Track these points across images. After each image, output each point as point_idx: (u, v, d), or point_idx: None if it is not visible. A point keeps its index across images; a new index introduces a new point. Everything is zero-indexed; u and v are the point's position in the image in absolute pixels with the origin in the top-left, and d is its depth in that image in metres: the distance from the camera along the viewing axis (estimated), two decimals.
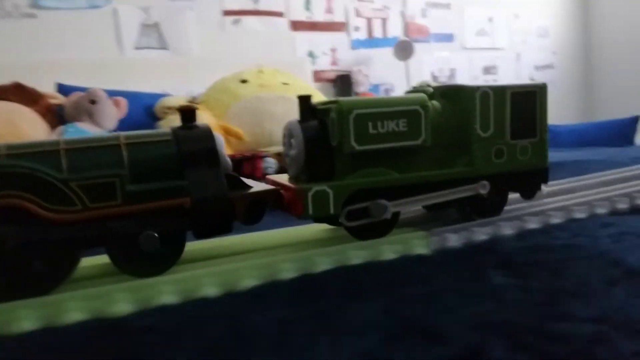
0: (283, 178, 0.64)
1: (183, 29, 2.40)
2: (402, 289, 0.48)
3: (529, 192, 0.70)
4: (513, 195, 0.71)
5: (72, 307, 0.47)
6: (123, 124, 1.73)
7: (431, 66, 3.00)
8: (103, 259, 0.55)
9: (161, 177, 0.52)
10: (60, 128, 1.66)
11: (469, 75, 3.07)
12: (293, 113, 0.63)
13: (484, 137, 0.64)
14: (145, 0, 2.27)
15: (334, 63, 2.81)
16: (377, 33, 2.92)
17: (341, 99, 0.59)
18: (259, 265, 0.54)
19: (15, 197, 0.46)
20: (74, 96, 1.83)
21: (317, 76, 2.76)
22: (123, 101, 1.86)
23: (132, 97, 1.88)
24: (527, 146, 0.67)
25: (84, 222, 0.49)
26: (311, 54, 2.74)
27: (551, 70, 3.31)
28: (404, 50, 2.67)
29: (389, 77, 2.88)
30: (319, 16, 2.75)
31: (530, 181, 0.69)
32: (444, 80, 3.01)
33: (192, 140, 0.54)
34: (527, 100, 0.67)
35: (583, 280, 0.47)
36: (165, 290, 0.50)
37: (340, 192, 0.58)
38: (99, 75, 2.03)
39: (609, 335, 0.36)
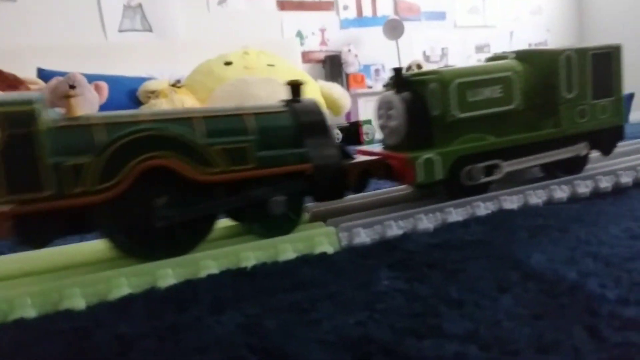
0: (377, 149, 0.68)
1: (167, 11, 2.35)
2: (277, 296, 0.43)
3: (608, 148, 0.75)
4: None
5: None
6: (104, 109, 1.69)
7: (423, 45, 2.92)
8: None
9: (282, 145, 0.56)
10: None
11: (461, 54, 2.98)
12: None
13: (569, 98, 0.68)
14: None
15: (322, 43, 2.75)
16: (367, 12, 2.84)
17: (441, 69, 0.63)
18: (136, 271, 0.49)
19: (165, 158, 0.50)
20: (53, 81, 1.79)
21: (306, 57, 2.70)
22: (104, 85, 1.82)
23: (115, 82, 1.84)
24: (606, 105, 0.71)
25: (224, 184, 0.53)
26: (299, 34, 2.68)
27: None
28: (394, 29, 2.60)
29: (380, 57, 2.81)
30: None
31: (608, 138, 0.74)
32: (435, 59, 2.93)
33: (307, 112, 0.59)
34: (605, 61, 0.70)
35: (473, 286, 0.42)
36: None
37: (447, 159, 0.62)
38: (81, 60, 1.99)
39: (467, 357, 0.32)
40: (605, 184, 0.69)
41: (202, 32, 2.40)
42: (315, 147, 0.57)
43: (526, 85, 0.67)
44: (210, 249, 0.53)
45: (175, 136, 0.51)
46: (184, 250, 0.53)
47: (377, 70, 3.04)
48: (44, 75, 1.94)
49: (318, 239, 0.55)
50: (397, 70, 0.66)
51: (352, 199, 0.70)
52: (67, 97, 0.52)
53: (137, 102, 1.93)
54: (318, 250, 0.54)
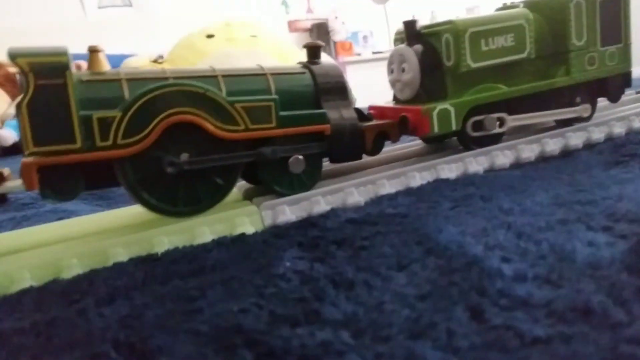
0: (388, 104, 0.68)
1: None
2: (172, 283, 0.41)
3: (616, 96, 0.75)
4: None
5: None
6: None
7: (411, 9, 2.83)
8: None
9: (301, 106, 0.57)
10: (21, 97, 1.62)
11: (451, 16, 2.89)
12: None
13: (579, 46, 0.69)
14: None
15: (309, 11, 2.69)
16: None
17: (454, 19, 0.63)
18: (40, 264, 0.47)
19: (190, 114, 0.50)
20: None
21: (292, 26, 2.65)
22: (84, 64, 1.80)
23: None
24: (615, 52, 0.72)
25: (245, 141, 0.54)
26: (284, 3, 2.62)
27: None
28: None
29: (367, 24, 2.74)
30: None
31: (616, 85, 0.74)
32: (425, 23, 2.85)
33: (326, 74, 0.59)
34: (613, 8, 0.71)
35: (372, 264, 0.39)
36: None
37: (461, 109, 0.62)
38: (61, 39, 1.96)
39: (337, 347, 0.30)
40: (553, 147, 0.66)
41: (184, 6, 2.35)
42: (333, 109, 0.58)
43: (537, 33, 0.67)
44: (122, 235, 0.51)
45: (202, 92, 0.51)
46: (204, 207, 0.54)
47: (365, 37, 2.97)
48: None
49: (239, 219, 0.53)
50: (409, 23, 0.66)
51: None
52: (94, 51, 0.52)
53: None
54: (238, 231, 0.52)
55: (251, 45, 1.92)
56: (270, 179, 0.57)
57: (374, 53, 2.92)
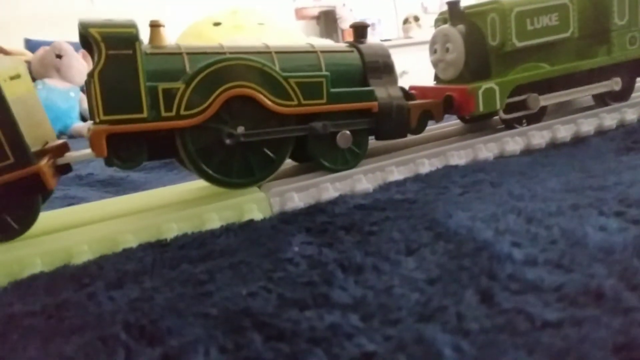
0: (429, 85, 0.70)
1: None
2: (178, 269, 0.41)
3: None
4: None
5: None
6: None
7: None
8: None
9: (349, 83, 0.59)
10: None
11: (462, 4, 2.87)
12: None
13: (621, 25, 0.69)
14: None
15: None
16: None
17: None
18: (50, 250, 0.47)
19: (248, 87, 0.52)
20: (40, 51, 1.77)
21: (300, 14, 2.63)
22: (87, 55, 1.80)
23: None
24: None
25: (297, 116, 0.55)
26: None
27: None
28: None
29: (375, 11, 2.72)
30: None
31: None
32: (434, 10, 2.82)
33: (374, 53, 0.61)
34: None
35: (380, 249, 0.39)
36: None
37: (505, 88, 0.63)
38: (69, 28, 1.96)
39: (347, 329, 0.29)
40: (564, 133, 0.65)
41: None
42: (380, 87, 0.59)
43: (580, 13, 0.67)
44: (132, 222, 0.52)
45: (259, 67, 0.53)
46: (257, 180, 0.56)
47: (372, 25, 2.94)
48: (32, 45, 1.91)
49: (247, 205, 0.53)
50: (453, 3, 0.67)
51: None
52: (155, 26, 0.54)
53: None
54: (246, 217, 0.52)
55: (259, 32, 1.91)
56: (318, 153, 0.58)
57: (382, 41, 2.89)
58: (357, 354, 0.27)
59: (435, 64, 0.70)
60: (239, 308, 0.33)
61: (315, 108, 0.56)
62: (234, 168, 0.55)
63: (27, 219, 0.50)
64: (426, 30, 2.64)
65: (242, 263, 0.41)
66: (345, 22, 2.61)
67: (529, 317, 0.28)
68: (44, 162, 0.48)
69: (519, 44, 0.64)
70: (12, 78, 0.49)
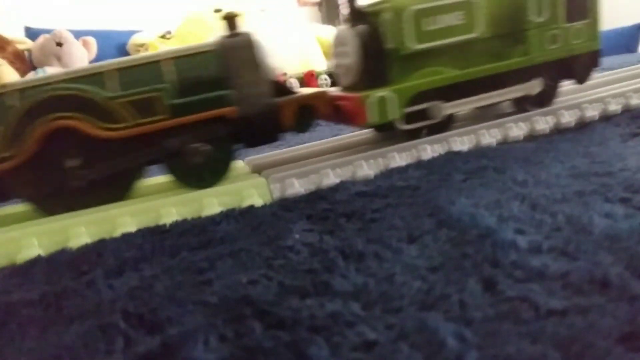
0: (336, 90, 0.62)
1: None
2: (178, 256, 0.41)
3: (583, 76, 0.68)
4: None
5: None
6: None
7: None
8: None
9: (208, 88, 0.52)
10: (30, 74, 1.62)
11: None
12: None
13: (539, 22, 0.62)
14: None
15: None
16: None
17: None
18: (47, 230, 0.48)
19: (68, 118, 0.48)
20: (40, 39, 1.75)
21: (301, 0, 2.60)
22: (91, 41, 1.78)
23: (104, 36, 1.81)
24: (581, 28, 0.65)
25: (135, 138, 0.50)
26: None
27: None
28: None
29: None
30: None
31: (583, 65, 0.67)
32: None
33: (236, 49, 0.54)
34: None
35: (382, 236, 0.39)
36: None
37: (402, 96, 0.57)
38: (67, 16, 1.95)
39: (345, 319, 0.29)
40: (568, 118, 0.64)
41: None
42: (240, 88, 0.53)
43: (491, 11, 0.60)
44: (130, 205, 0.51)
45: (74, 94, 0.48)
46: (105, 202, 0.53)
47: None
48: (32, 33, 1.89)
49: (247, 191, 0.52)
50: (352, 1, 0.59)
51: (306, 147, 0.67)
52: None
53: (127, 56, 1.90)
54: (246, 203, 0.52)
55: (261, 19, 1.90)
56: (177, 172, 0.54)
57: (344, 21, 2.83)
58: (359, 342, 0.27)
59: (335, 68, 0.63)
60: (239, 296, 0.33)
61: (156, 125, 0.50)
62: (76, 199, 0.52)
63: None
64: None
65: (243, 251, 0.41)
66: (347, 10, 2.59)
67: (533, 305, 0.28)
68: None
69: (416, 47, 0.57)
70: None
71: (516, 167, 0.50)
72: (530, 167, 0.50)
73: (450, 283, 0.31)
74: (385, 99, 0.56)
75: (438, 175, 0.51)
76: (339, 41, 0.61)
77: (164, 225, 0.48)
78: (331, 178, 0.54)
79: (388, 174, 0.55)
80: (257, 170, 0.60)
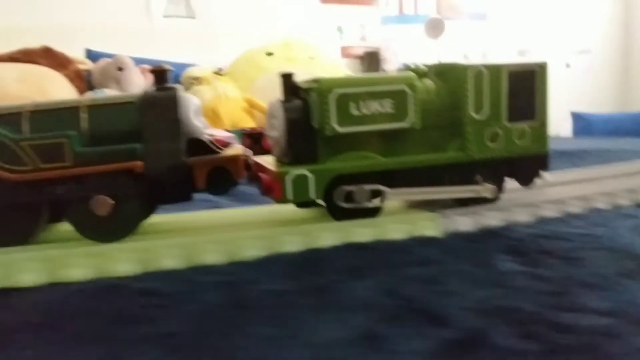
0: (267, 160, 0.61)
1: None
2: (406, 269, 0.46)
3: (527, 178, 0.65)
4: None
5: (76, 263, 0.49)
6: None
7: (463, 46, 2.92)
8: None
9: (121, 140, 0.52)
10: (88, 94, 1.68)
11: (502, 57, 2.98)
12: None
13: (478, 119, 0.60)
14: None
15: (362, 39, 2.77)
16: (408, 9, 2.85)
17: (322, 77, 0.57)
18: (262, 235, 0.54)
19: None
20: (102, 62, 1.84)
21: (345, 52, 2.72)
22: (149, 69, 1.86)
23: None
24: (526, 129, 0.62)
25: (36, 182, 0.50)
26: (340, 29, 2.70)
27: (589, 55, 3.19)
28: (435, 28, 2.61)
29: (419, 56, 2.82)
30: None
31: (528, 167, 0.64)
32: (476, 60, 2.94)
33: (153, 103, 0.54)
34: (526, 80, 0.62)
35: (596, 271, 0.45)
36: (168, 254, 0.50)
37: (322, 177, 0.56)
38: (126, 42, 2.03)
39: (620, 329, 0.35)
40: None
41: (244, 22, 2.43)
42: (153, 143, 0.52)
43: (428, 102, 0.60)
44: (332, 227, 0.56)
45: None
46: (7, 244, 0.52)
47: None
48: (92, 55, 1.98)
49: (422, 222, 0.58)
50: (286, 76, 0.59)
51: None
52: None
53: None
54: (423, 233, 0.57)
55: (309, 66, 2.00)
56: (74, 221, 0.53)
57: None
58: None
59: (268, 139, 0.63)
60: (501, 305, 0.39)
61: (56, 172, 0.50)
62: None
63: None
64: None
65: (461, 272, 0.46)
66: (389, 64, 2.71)
67: None
68: None
69: (340, 130, 0.56)
70: None
71: None
72: None
73: None
74: (305, 178, 0.55)
75: (604, 228, 0.57)
76: (270, 113, 0.61)
77: (363, 242, 0.54)
78: (493, 220, 0.61)
79: (544, 222, 0.61)
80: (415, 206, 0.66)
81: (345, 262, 0.49)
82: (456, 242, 0.55)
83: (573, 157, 1.12)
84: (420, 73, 0.62)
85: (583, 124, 2.49)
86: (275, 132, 0.58)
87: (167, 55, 1.99)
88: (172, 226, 0.60)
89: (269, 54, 2.05)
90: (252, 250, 0.52)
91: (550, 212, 0.64)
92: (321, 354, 0.33)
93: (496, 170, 0.63)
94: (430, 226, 0.58)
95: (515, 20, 3.00)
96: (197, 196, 0.56)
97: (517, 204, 0.63)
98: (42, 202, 0.52)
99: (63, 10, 2.04)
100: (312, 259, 0.50)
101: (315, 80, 0.56)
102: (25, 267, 0.48)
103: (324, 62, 2.16)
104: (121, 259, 0.49)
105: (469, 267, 0.47)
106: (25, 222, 0.52)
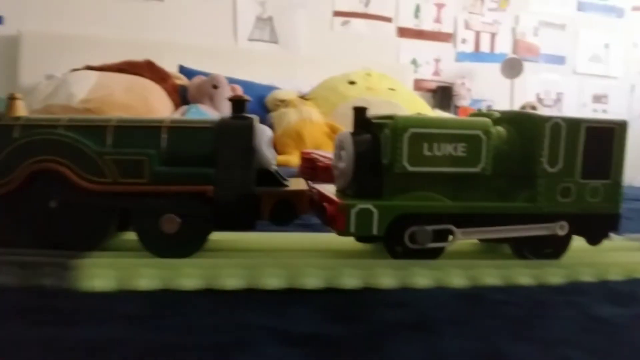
0: (330, 190, 0.61)
1: (294, 26, 2.49)
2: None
3: (596, 237, 0.63)
4: None
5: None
6: None
7: (537, 88, 2.90)
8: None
9: (195, 162, 0.54)
10: (184, 108, 1.78)
11: (576, 101, 2.94)
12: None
13: (551, 172, 0.59)
14: None
15: (435, 73, 2.80)
16: (485, 47, 2.87)
17: (398, 115, 0.56)
18: (322, 265, 0.54)
19: (52, 162, 0.52)
20: (197, 79, 1.96)
21: (418, 85, 2.76)
22: (239, 89, 1.97)
23: (245, 86, 2.00)
24: (599, 188, 0.61)
25: (112, 194, 0.53)
26: (414, 62, 2.74)
27: None
28: (512, 68, 2.61)
29: (492, 94, 2.82)
30: (427, 25, 2.75)
31: (598, 226, 0.63)
32: (549, 103, 2.91)
33: (229, 131, 0.56)
34: (604, 138, 0.60)
35: None
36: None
37: (386, 213, 0.55)
38: (213, 62, 2.15)
39: None
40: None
41: (324, 50, 2.51)
42: (225, 169, 0.54)
43: (501, 149, 0.59)
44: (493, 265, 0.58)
45: (68, 142, 0.53)
46: (78, 248, 0.54)
47: (488, 107, 3.05)
48: (184, 72, 2.11)
49: (517, 269, 0.58)
50: (359, 110, 0.60)
51: None
52: (12, 98, 0.56)
53: (264, 108, 2.06)
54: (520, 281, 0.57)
55: (390, 97, 2.04)
56: (141, 234, 0.55)
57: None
58: None
59: (333, 168, 0.62)
60: None
61: (133, 187, 0.53)
62: (51, 236, 0.54)
63: None
64: None
65: None
66: (462, 100, 2.73)
67: None
68: None
69: (410, 169, 0.55)
70: None
71: None
72: None
73: None
74: (369, 212, 0.55)
75: None
76: (339, 144, 0.60)
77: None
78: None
79: None
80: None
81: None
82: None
83: None
84: (493, 119, 0.61)
85: None
86: (343, 163, 0.58)
87: (250, 75, 2.11)
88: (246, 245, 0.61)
89: (351, 83, 2.11)
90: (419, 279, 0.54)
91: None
92: None
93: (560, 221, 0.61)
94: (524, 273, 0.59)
95: (592, 66, 2.95)
96: None
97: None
98: (115, 213, 0.55)
99: (159, 27, 2.19)
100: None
101: (390, 117, 0.56)
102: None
103: (405, 94, 2.20)
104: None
105: None
106: (95, 229, 0.55)
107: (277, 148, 1.89)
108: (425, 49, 2.75)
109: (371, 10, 2.63)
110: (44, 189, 0.53)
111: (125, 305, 0.46)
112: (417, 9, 2.72)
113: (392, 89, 2.19)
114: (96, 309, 0.45)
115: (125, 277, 0.50)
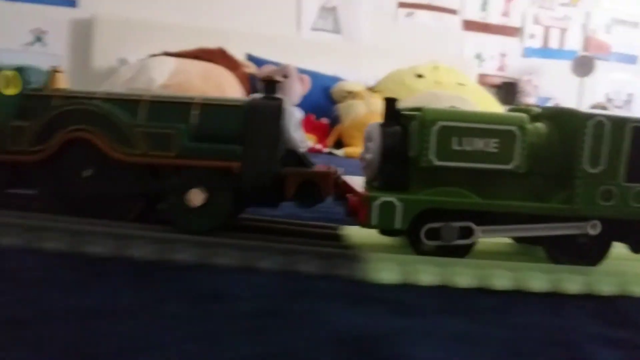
0: (358, 182, 0.60)
1: (358, 16, 2.48)
2: None
3: (638, 245, 0.59)
4: None
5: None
6: (304, 101, 1.84)
7: (607, 88, 2.80)
8: None
9: (224, 139, 0.55)
10: (254, 96, 1.81)
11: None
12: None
13: (591, 173, 0.55)
14: None
15: (500, 68, 2.73)
16: (553, 43, 2.78)
17: (427, 107, 0.55)
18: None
19: (85, 132, 0.54)
20: (267, 68, 1.98)
21: (481, 79, 2.70)
22: (307, 79, 1.98)
23: (311, 76, 2.01)
24: None
25: (141, 166, 0.55)
26: (478, 56, 2.69)
27: None
28: (583, 66, 2.52)
29: (559, 92, 2.73)
30: (494, 18, 2.68)
31: None
32: (619, 104, 2.80)
33: (258, 110, 0.56)
34: None
35: None
36: None
37: (410, 207, 0.53)
38: (277, 51, 2.16)
39: None
40: None
41: (387, 41, 2.49)
42: (252, 147, 0.55)
43: (541, 146, 0.56)
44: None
45: (102, 113, 0.55)
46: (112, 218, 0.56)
47: (557, 105, 2.97)
48: (252, 60, 2.12)
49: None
50: (389, 101, 0.58)
51: None
52: (56, 71, 0.60)
53: (329, 99, 2.05)
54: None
55: (459, 91, 2.00)
56: (168, 208, 0.56)
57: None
58: None
59: (360, 159, 0.61)
60: None
61: (162, 160, 0.54)
62: (82, 205, 0.56)
63: None
64: None
65: None
66: (527, 97, 2.66)
67: None
68: None
69: (437, 162, 0.53)
70: None
71: None
72: None
73: None
74: (392, 205, 0.53)
75: None
76: (368, 136, 0.59)
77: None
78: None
79: None
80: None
81: None
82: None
83: None
84: (532, 115, 0.58)
85: None
86: (370, 154, 0.57)
87: (313, 65, 2.11)
88: None
89: (419, 76, 2.09)
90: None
91: None
92: None
93: (604, 230, 0.58)
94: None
95: None
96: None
97: None
98: (143, 186, 0.57)
99: (226, 16, 2.22)
100: None
101: (419, 109, 0.55)
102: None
103: (474, 89, 2.16)
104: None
105: None
106: (123, 201, 0.57)
107: (344, 140, 1.89)
108: (490, 43, 2.69)
109: (436, 1, 2.58)
110: (78, 157, 0.56)
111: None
112: (485, 2, 2.66)
113: (461, 84, 2.15)
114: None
115: (408, 272, 0.52)
